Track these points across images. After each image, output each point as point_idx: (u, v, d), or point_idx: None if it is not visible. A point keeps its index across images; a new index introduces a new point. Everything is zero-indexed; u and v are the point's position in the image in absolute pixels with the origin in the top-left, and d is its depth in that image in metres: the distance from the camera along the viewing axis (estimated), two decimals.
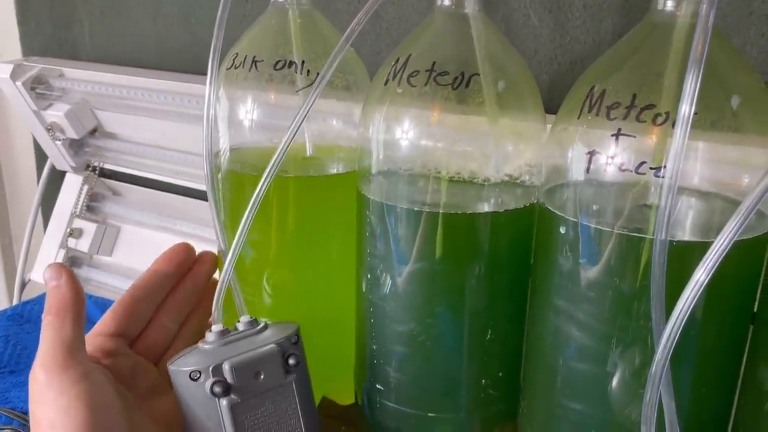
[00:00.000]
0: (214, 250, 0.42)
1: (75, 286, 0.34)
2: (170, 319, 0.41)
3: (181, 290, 0.41)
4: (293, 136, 0.35)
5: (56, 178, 0.83)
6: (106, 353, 0.37)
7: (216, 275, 0.44)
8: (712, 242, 0.25)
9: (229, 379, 0.36)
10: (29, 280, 0.86)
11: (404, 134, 0.36)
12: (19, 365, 0.62)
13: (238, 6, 0.66)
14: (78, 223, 0.80)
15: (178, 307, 0.41)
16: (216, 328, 0.38)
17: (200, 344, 0.38)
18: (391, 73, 0.36)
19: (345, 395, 0.47)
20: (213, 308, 0.39)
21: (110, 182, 0.83)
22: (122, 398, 0.35)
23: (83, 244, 0.79)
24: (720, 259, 0.25)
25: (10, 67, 0.73)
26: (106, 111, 0.76)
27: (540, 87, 0.52)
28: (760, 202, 0.25)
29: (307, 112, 0.35)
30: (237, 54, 0.41)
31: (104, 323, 0.38)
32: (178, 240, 0.67)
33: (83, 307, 0.35)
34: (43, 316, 0.34)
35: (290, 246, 0.44)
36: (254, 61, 0.40)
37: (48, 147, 0.79)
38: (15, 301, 0.86)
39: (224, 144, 0.43)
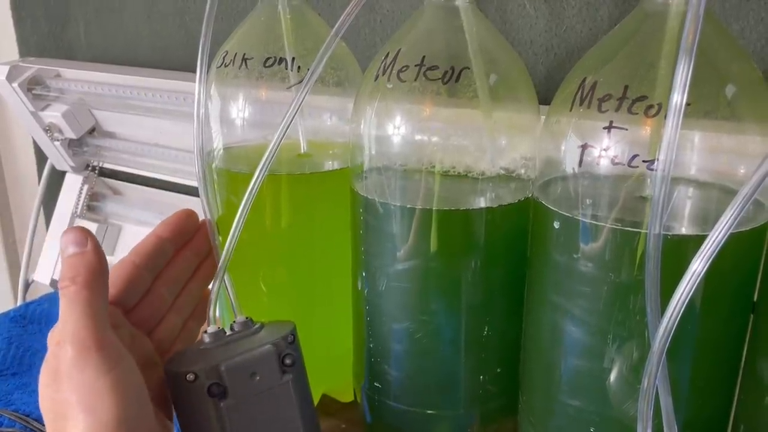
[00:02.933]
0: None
1: (102, 254, 0.32)
2: (167, 290, 0.38)
3: (181, 259, 0.39)
4: (284, 134, 0.35)
5: (57, 178, 0.83)
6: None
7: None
8: (708, 235, 0.25)
9: (225, 380, 0.35)
10: (32, 281, 0.87)
11: (395, 130, 0.36)
12: (21, 367, 0.62)
13: (234, 2, 0.65)
14: (79, 223, 0.80)
15: (176, 277, 0.39)
16: (211, 329, 0.38)
17: (196, 345, 0.37)
18: (381, 68, 0.36)
19: (344, 393, 0.47)
20: (208, 309, 0.39)
21: (110, 181, 0.83)
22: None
23: None
24: (717, 250, 0.25)
25: (6, 68, 0.73)
26: (103, 110, 0.76)
27: (536, 78, 0.52)
28: (756, 192, 0.25)
29: (298, 109, 0.35)
30: (227, 52, 0.41)
31: None
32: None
33: (107, 279, 0.32)
34: (62, 284, 0.31)
35: (286, 244, 0.44)
36: (244, 59, 0.40)
37: (47, 148, 0.79)
38: (19, 302, 0.86)
39: (217, 142, 0.43)
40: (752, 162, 0.30)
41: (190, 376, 0.35)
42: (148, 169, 0.77)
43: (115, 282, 0.35)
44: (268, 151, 0.35)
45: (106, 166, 0.81)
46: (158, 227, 0.38)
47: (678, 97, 0.25)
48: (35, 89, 0.75)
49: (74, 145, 0.79)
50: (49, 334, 0.32)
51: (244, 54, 0.40)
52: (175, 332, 0.39)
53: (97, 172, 0.81)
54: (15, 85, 0.73)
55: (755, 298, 0.33)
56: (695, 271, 0.25)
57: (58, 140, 0.77)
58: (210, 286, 0.39)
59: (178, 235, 0.38)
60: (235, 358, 0.36)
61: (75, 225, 0.80)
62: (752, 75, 0.30)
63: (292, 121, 0.34)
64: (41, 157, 0.87)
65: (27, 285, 0.87)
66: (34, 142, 0.87)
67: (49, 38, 0.83)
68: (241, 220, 0.36)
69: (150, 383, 0.34)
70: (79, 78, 0.74)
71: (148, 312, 0.37)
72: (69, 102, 0.75)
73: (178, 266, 0.39)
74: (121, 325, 0.35)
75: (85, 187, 0.81)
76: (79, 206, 0.80)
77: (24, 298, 0.87)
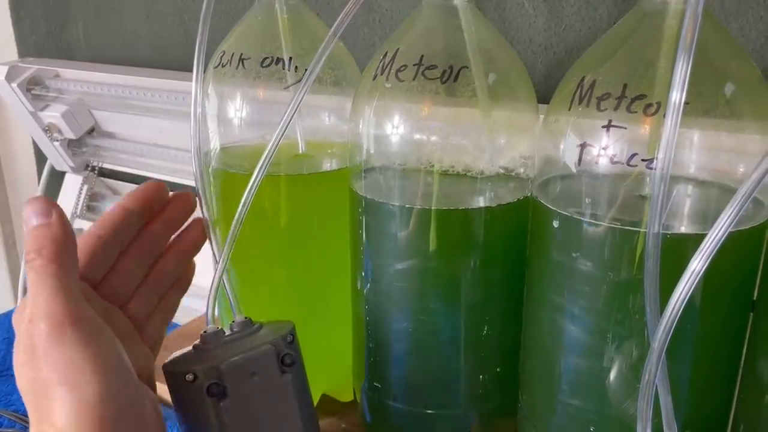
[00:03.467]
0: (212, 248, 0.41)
1: (68, 225, 0.30)
2: (136, 263, 0.37)
3: (151, 232, 0.37)
4: (282, 134, 0.35)
5: (57, 178, 0.83)
6: None
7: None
8: (707, 234, 0.25)
9: (224, 380, 0.35)
10: None
11: (394, 130, 0.35)
12: None
13: (233, 0, 0.65)
14: (79, 224, 0.80)
15: (145, 250, 0.37)
16: (210, 329, 0.38)
17: (195, 346, 0.37)
18: (379, 67, 0.36)
19: (344, 392, 0.47)
20: (206, 309, 0.38)
21: (110, 182, 0.83)
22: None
23: None
24: (716, 248, 0.25)
25: (6, 69, 0.73)
26: (102, 110, 0.76)
27: (536, 76, 0.52)
28: (756, 190, 0.25)
29: (296, 109, 0.34)
30: (224, 52, 0.41)
31: None
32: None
33: (76, 251, 0.31)
34: (27, 258, 0.29)
35: (285, 244, 0.43)
36: (241, 59, 0.39)
37: (46, 148, 0.79)
38: (19, 303, 0.86)
39: (215, 142, 0.43)
40: (752, 160, 0.30)
41: (190, 376, 0.35)
42: (148, 169, 0.76)
43: (79, 255, 0.32)
44: (267, 151, 0.35)
45: (106, 166, 0.81)
46: (124, 198, 0.36)
47: (677, 96, 0.25)
48: (34, 89, 0.75)
49: (74, 146, 0.79)
50: (16, 313, 0.31)
51: (241, 54, 0.40)
52: (151, 306, 0.38)
53: (96, 172, 0.81)
54: (14, 85, 0.73)
55: (755, 297, 0.33)
56: (694, 269, 0.25)
57: (57, 140, 0.77)
58: (211, 282, 0.39)
59: (146, 206, 0.37)
60: (235, 358, 0.36)
61: (74, 226, 0.80)
62: (751, 73, 0.30)
63: (290, 121, 0.34)
64: (41, 158, 0.87)
65: (26, 286, 0.87)
66: (34, 143, 0.87)
67: (48, 38, 0.83)
68: (240, 220, 0.36)
69: (131, 357, 0.32)
70: (78, 78, 0.74)
71: (117, 285, 0.36)
72: (68, 102, 0.75)
73: (147, 239, 0.37)
74: (92, 298, 0.34)
75: (85, 187, 0.81)
76: (79, 206, 0.80)
77: None
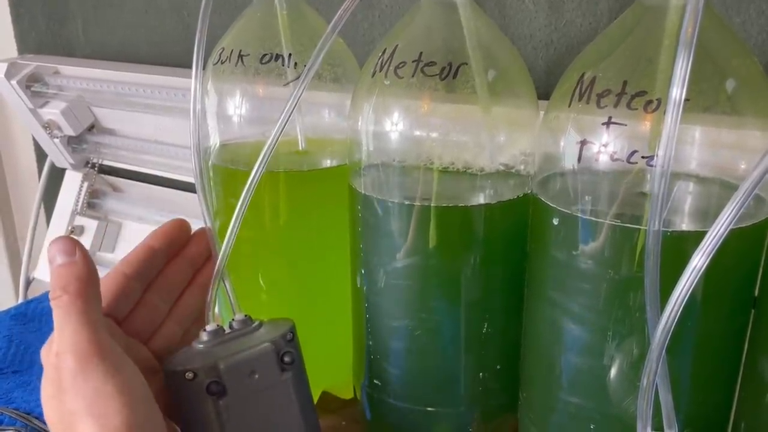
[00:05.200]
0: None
1: (91, 262, 0.32)
2: (161, 299, 0.38)
3: (173, 269, 0.39)
4: (281, 131, 0.34)
5: (57, 175, 0.83)
6: None
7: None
8: (708, 232, 0.25)
9: (224, 378, 0.35)
10: (33, 278, 0.87)
11: (393, 126, 0.35)
12: (22, 365, 0.62)
13: None
14: (79, 221, 0.80)
15: (169, 286, 0.39)
16: (210, 327, 0.38)
17: (194, 344, 0.37)
18: (378, 64, 0.35)
19: (345, 389, 0.47)
20: (206, 306, 0.38)
21: (110, 178, 0.83)
22: None
23: (85, 242, 0.79)
24: (717, 246, 0.24)
25: (5, 65, 0.73)
26: (102, 107, 0.76)
27: (536, 72, 0.52)
28: (757, 187, 0.25)
29: (295, 106, 0.34)
30: (223, 48, 0.41)
31: None
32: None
33: (99, 287, 0.32)
34: (53, 294, 0.31)
35: (284, 241, 0.43)
36: (240, 56, 0.39)
37: (46, 145, 0.79)
38: (21, 300, 0.86)
39: (214, 139, 0.42)
40: (753, 157, 0.30)
41: (189, 375, 0.35)
42: (148, 166, 0.76)
43: (104, 293, 0.35)
44: (266, 147, 0.35)
45: (106, 163, 0.81)
46: (149, 237, 0.38)
47: (677, 92, 0.25)
48: (34, 86, 0.75)
49: (74, 142, 0.78)
50: (44, 349, 0.32)
51: (240, 51, 0.40)
52: (175, 340, 0.39)
53: (96, 169, 0.81)
54: (14, 82, 0.73)
55: (756, 294, 0.32)
56: (695, 267, 0.25)
57: (57, 137, 0.77)
58: (211, 280, 0.39)
59: (170, 244, 0.38)
60: (234, 357, 0.36)
61: (74, 223, 0.80)
62: (753, 69, 0.30)
63: (289, 118, 0.34)
64: (41, 155, 0.87)
65: (28, 282, 0.87)
66: (34, 140, 0.87)
67: (47, 35, 0.83)
68: (239, 217, 0.36)
69: (153, 390, 0.34)
70: (77, 75, 0.74)
71: (141, 322, 0.37)
72: (68, 99, 0.75)
73: (171, 275, 0.39)
74: (115, 334, 0.35)
75: (85, 184, 0.81)
76: (80, 203, 0.80)
77: (25, 295, 0.87)
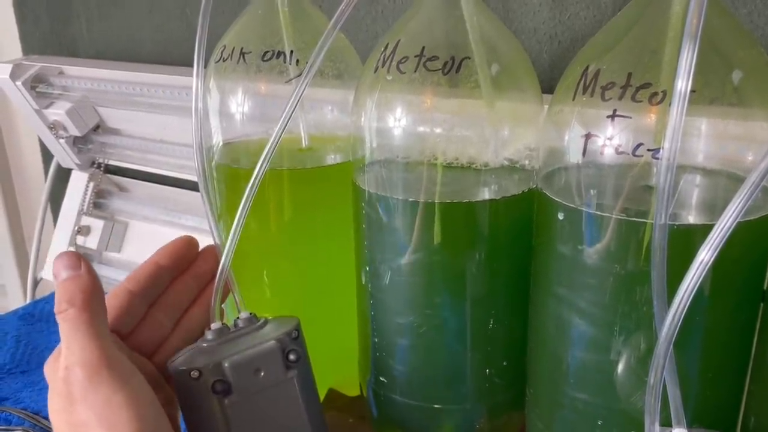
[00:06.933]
0: None
1: (96, 275, 0.32)
2: (166, 316, 0.38)
3: (179, 286, 0.39)
4: (283, 129, 0.34)
5: (63, 176, 0.84)
6: None
7: None
8: (715, 225, 0.24)
9: (229, 377, 0.35)
10: (41, 278, 0.87)
11: (397, 122, 0.35)
12: (30, 365, 0.62)
13: None
14: (86, 221, 0.81)
15: (175, 303, 0.39)
16: (215, 325, 0.38)
17: (200, 343, 0.37)
18: (380, 60, 0.35)
19: (351, 386, 0.47)
20: (211, 305, 0.38)
21: (116, 178, 0.83)
22: None
23: (92, 242, 0.80)
24: (725, 239, 0.24)
25: (10, 67, 0.73)
26: (107, 107, 0.76)
27: (541, 66, 0.51)
28: (765, 179, 0.24)
29: (297, 102, 0.34)
30: (225, 46, 0.41)
31: None
32: (186, 234, 0.67)
33: (104, 299, 0.33)
34: (59, 308, 0.31)
35: (289, 239, 0.43)
36: (242, 53, 0.39)
37: (52, 145, 0.79)
38: (29, 299, 0.87)
39: (217, 138, 0.42)
40: (760, 148, 0.30)
41: (195, 373, 0.35)
42: (154, 165, 0.76)
43: (110, 309, 0.35)
44: (268, 146, 0.35)
45: (112, 162, 0.81)
46: (156, 254, 0.38)
47: (682, 84, 0.25)
48: (39, 87, 0.75)
49: (79, 143, 0.79)
50: (49, 364, 0.32)
51: (242, 48, 0.39)
52: None
53: (102, 169, 0.82)
54: (19, 83, 0.73)
55: (765, 287, 0.32)
56: (702, 261, 0.24)
57: (62, 138, 0.77)
58: (216, 278, 0.39)
59: (177, 262, 0.38)
60: (239, 355, 0.36)
61: (80, 223, 0.80)
62: (759, 60, 0.29)
63: (291, 115, 0.34)
64: (47, 155, 0.87)
65: (36, 282, 0.87)
66: (40, 140, 0.87)
67: (51, 35, 0.83)
68: (243, 215, 0.36)
69: (160, 402, 0.34)
70: (82, 75, 0.74)
71: (145, 337, 0.38)
72: (73, 99, 0.75)
73: (176, 292, 0.39)
74: (120, 348, 0.35)
75: (91, 184, 0.81)
76: (86, 203, 0.81)
77: (33, 295, 0.87)
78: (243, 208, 0.36)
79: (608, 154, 0.29)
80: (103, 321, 0.32)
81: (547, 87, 0.38)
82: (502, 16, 0.51)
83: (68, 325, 0.31)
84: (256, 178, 0.35)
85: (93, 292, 0.32)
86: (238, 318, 0.39)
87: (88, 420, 0.30)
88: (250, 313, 0.39)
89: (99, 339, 0.31)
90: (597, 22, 0.49)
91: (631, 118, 0.28)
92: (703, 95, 0.28)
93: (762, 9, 0.43)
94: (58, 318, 0.32)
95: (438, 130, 0.35)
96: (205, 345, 0.37)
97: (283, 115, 0.34)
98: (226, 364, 0.35)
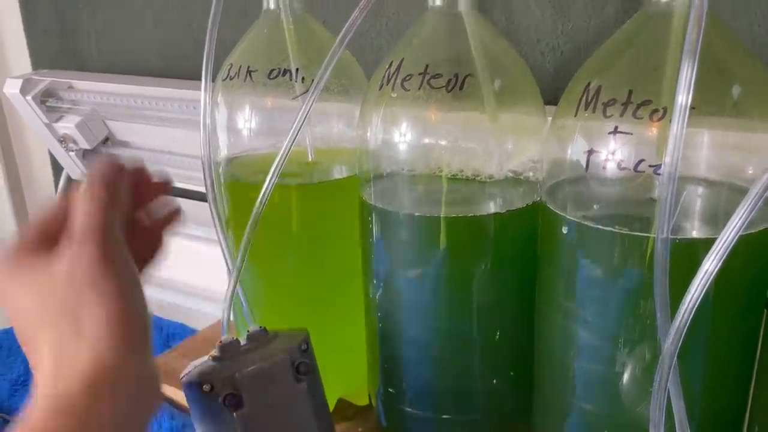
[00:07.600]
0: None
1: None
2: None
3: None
4: (290, 147, 0.35)
5: (73, 187, 0.84)
6: None
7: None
8: (716, 239, 0.25)
9: (241, 390, 0.36)
10: None
11: (401, 138, 0.36)
12: None
13: (242, 8, 0.65)
14: None
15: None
16: (226, 339, 0.38)
17: (211, 356, 0.38)
18: (385, 77, 0.36)
19: (361, 396, 0.47)
20: (222, 319, 0.39)
21: None
22: None
23: None
24: (727, 252, 0.24)
25: (20, 81, 0.74)
26: (116, 120, 0.76)
27: (544, 77, 0.51)
28: (766, 192, 0.25)
29: (303, 121, 0.35)
30: (231, 65, 0.41)
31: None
32: (194, 244, 0.67)
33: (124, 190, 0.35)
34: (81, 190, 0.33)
35: (297, 252, 0.44)
36: (248, 72, 0.40)
37: (62, 158, 0.80)
38: None
39: (224, 152, 0.43)
40: (761, 161, 0.30)
41: (206, 387, 0.36)
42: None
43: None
44: (276, 163, 0.35)
45: None
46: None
47: (682, 100, 0.25)
48: (48, 101, 0.76)
49: (89, 155, 0.79)
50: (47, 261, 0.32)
51: (249, 67, 0.40)
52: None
53: None
54: (29, 98, 0.74)
55: None
56: (705, 273, 0.25)
57: (72, 151, 0.78)
58: (226, 292, 0.39)
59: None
60: (250, 369, 0.36)
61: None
62: (759, 74, 0.30)
63: (297, 133, 0.34)
64: (57, 167, 0.88)
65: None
66: (50, 153, 0.88)
67: (60, 50, 0.84)
68: (252, 230, 0.37)
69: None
70: (91, 89, 0.75)
71: None
72: (82, 113, 0.76)
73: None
74: None
75: None
76: None
77: None
78: (252, 222, 0.37)
79: (610, 169, 0.30)
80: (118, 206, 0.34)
81: (551, 97, 0.38)
82: (505, 28, 0.52)
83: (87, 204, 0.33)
84: (264, 193, 0.36)
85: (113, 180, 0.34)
86: (248, 331, 0.39)
87: (108, 290, 0.30)
88: (260, 327, 0.39)
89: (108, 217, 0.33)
90: (599, 33, 0.49)
91: (632, 134, 0.29)
92: (703, 110, 0.28)
93: (761, 20, 0.43)
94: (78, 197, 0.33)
95: (443, 144, 0.36)
96: (216, 359, 0.37)
97: (290, 135, 0.35)
98: (238, 378, 0.36)
